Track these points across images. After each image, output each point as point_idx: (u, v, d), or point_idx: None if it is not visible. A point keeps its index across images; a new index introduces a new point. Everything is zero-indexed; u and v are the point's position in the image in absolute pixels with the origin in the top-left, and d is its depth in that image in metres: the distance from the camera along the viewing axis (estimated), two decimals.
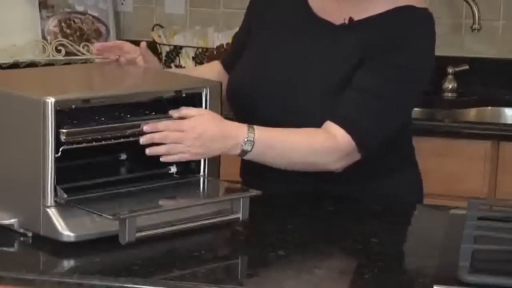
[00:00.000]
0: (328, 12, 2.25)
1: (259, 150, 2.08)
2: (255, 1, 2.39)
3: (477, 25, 3.51)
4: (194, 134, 2.00)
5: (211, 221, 1.99)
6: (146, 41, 3.64)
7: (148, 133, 1.97)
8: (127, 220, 1.84)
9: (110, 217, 1.84)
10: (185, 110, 2.01)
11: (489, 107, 3.49)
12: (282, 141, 2.11)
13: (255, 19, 2.36)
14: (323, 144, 2.12)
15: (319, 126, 2.15)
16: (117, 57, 2.28)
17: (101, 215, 1.85)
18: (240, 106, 2.29)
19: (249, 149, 2.07)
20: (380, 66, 2.16)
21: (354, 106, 2.14)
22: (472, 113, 3.45)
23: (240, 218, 1.99)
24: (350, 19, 2.22)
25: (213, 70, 2.41)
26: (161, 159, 2.00)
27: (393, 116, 2.20)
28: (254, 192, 2.01)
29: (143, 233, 1.87)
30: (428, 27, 2.22)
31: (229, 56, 2.47)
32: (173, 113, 2.01)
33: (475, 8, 3.50)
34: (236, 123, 2.10)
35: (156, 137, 1.98)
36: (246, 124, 2.08)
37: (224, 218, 2.00)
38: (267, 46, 2.30)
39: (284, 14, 2.30)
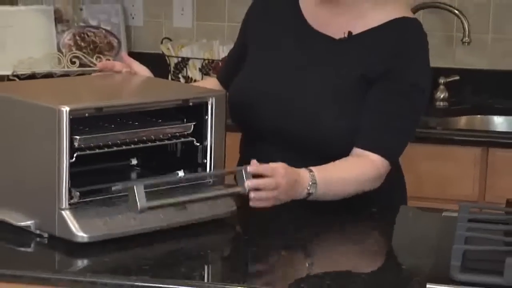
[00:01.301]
0: (325, 26, 2.23)
1: (321, 191, 2.08)
2: (249, 16, 2.37)
3: (467, 38, 3.51)
4: (281, 187, 1.99)
5: (217, 193, 2.00)
6: (155, 53, 3.67)
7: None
8: (135, 187, 1.84)
9: (119, 186, 1.85)
10: (261, 168, 2.00)
11: (479, 115, 3.49)
12: (336, 179, 2.12)
13: (251, 34, 2.34)
14: (369, 175, 2.15)
15: (317, 133, 2.14)
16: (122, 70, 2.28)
17: (111, 186, 1.86)
18: (242, 116, 2.28)
19: (314, 192, 2.08)
20: (392, 86, 2.16)
21: (381, 131, 2.16)
22: (463, 121, 3.45)
23: (246, 191, 1.97)
24: (349, 33, 2.21)
25: (212, 85, 2.38)
26: (251, 204, 1.99)
27: (411, 130, 2.24)
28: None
29: (154, 203, 1.87)
30: (423, 37, 2.22)
31: (224, 71, 2.46)
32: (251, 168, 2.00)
33: (465, 22, 3.51)
34: (298, 170, 2.08)
35: (258, 184, 1.97)
36: (305, 169, 2.07)
37: (228, 191, 2.01)
38: (265, 59, 2.28)
39: (280, 28, 2.28)
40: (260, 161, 2.18)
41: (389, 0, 2.23)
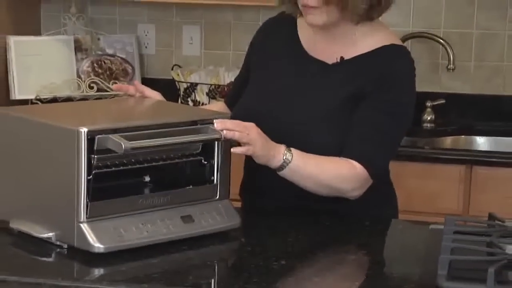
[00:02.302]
0: (320, 52, 2.24)
1: (296, 163, 2.08)
2: (253, 44, 2.38)
3: (452, 65, 3.51)
4: (256, 131, 2.02)
5: (194, 138, 2.00)
6: (166, 79, 3.68)
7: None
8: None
9: (124, 144, 1.86)
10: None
11: (463, 136, 3.49)
12: (314, 161, 2.12)
13: (254, 60, 2.35)
14: (347, 172, 2.13)
15: (309, 149, 2.13)
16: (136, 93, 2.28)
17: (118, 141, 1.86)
18: None
19: (290, 159, 2.07)
20: (378, 104, 2.16)
21: (364, 143, 2.14)
22: (448, 141, 3.45)
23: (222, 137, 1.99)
24: (341, 58, 2.22)
25: (221, 109, 2.39)
26: (232, 150, 2.02)
27: (394, 146, 2.22)
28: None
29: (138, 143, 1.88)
30: (410, 62, 2.22)
31: (230, 95, 2.46)
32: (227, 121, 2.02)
33: (450, 51, 3.51)
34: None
35: (228, 125, 2.00)
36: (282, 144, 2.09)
37: (203, 138, 2.01)
38: (266, 83, 2.29)
39: (280, 54, 2.29)
40: (263, 176, 2.18)
41: (379, 29, 2.23)
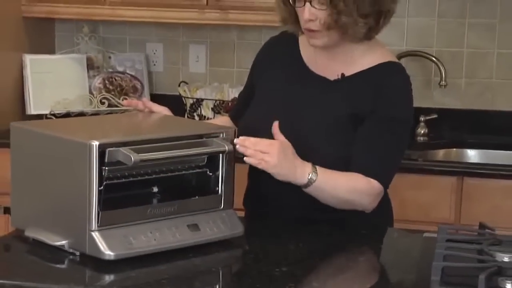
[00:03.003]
0: (321, 69, 2.24)
1: (320, 182, 2.08)
2: (257, 61, 2.38)
3: (444, 82, 3.51)
4: (275, 149, 2.03)
5: (205, 150, 2.01)
6: (173, 95, 3.68)
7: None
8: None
9: (133, 157, 1.86)
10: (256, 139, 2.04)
11: (455, 149, 3.48)
12: (334, 176, 2.12)
13: (258, 76, 2.34)
14: (364, 188, 2.14)
15: (312, 161, 2.13)
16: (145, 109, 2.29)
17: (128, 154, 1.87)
18: None
19: (314, 179, 2.07)
20: (380, 121, 2.16)
21: (373, 159, 2.15)
22: (440, 154, 3.44)
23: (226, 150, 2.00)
24: (342, 75, 2.22)
25: (226, 123, 2.38)
26: (245, 159, 2.02)
27: (399, 158, 2.23)
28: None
29: (147, 156, 1.88)
30: (407, 78, 2.23)
31: (235, 110, 2.46)
32: (251, 138, 2.04)
33: (442, 68, 3.51)
34: (302, 160, 2.10)
35: (247, 143, 2.02)
36: (309, 163, 2.09)
37: (208, 150, 2.02)
38: (270, 98, 2.28)
39: (283, 70, 2.29)
40: (266, 186, 2.17)
41: (376, 47, 2.23)
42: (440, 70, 3.51)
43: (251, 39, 3.70)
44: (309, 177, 2.08)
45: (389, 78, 2.19)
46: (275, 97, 2.27)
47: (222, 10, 3.40)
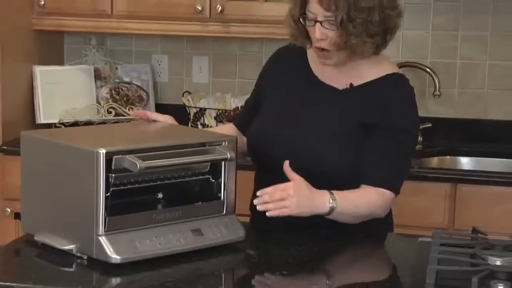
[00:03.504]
0: (329, 78, 2.23)
1: (340, 207, 2.08)
2: (266, 69, 2.36)
3: (437, 92, 3.51)
4: (291, 191, 2.03)
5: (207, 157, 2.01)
6: (177, 104, 3.68)
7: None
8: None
9: (139, 164, 1.86)
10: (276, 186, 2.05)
11: (448, 156, 3.48)
12: (352, 198, 2.13)
13: (266, 85, 2.33)
14: (378, 200, 2.15)
15: (320, 168, 2.14)
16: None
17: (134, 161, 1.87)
18: (258, 154, 2.28)
19: (335, 206, 2.08)
20: (388, 132, 2.16)
21: (383, 169, 2.15)
22: (435, 161, 3.44)
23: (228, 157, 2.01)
24: (351, 85, 2.21)
25: (230, 131, 2.35)
26: (267, 214, 2.03)
27: (408, 166, 2.25)
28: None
29: (152, 163, 1.88)
30: (411, 88, 2.24)
31: (241, 117, 2.44)
32: (266, 189, 2.05)
33: (436, 79, 3.51)
34: (318, 190, 2.09)
35: (265, 198, 2.04)
36: (326, 190, 2.09)
37: (211, 158, 2.02)
38: (279, 107, 2.27)
39: (292, 80, 2.27)
40: None
41: (382, 60, 2.23)
42: (434, 81, 3.51)
43: (252, 51, 3.70)
44: (330, 205, 2.08)
45: (396, 89, 2.20)
46: (284, 106, 2.26)
47: (224, 23, 3.41)
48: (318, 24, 2.10)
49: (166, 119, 2.27)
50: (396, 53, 3.58)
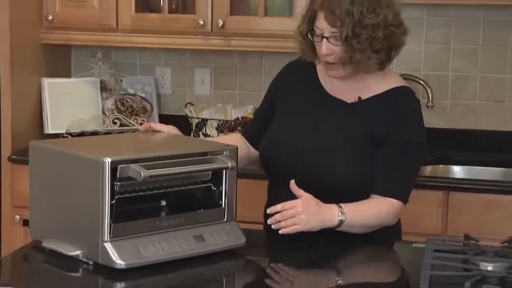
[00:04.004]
0: (338, 92, 2.23)
1: (349, 220, 2.08)
2: (277, 82, 2.35)
3: (431, 103, 3.51)
4: (300, 209, 2.03)
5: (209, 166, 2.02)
6: (180, 115, 3.68)
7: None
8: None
9: (143, 173, 1.85)
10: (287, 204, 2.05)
11: (441, 165, 3.48)
12: (361, 210, 2.13)
13: (278, 98, 2.31)
14: (387, 212, 2.16)
15: (330, 179, 2.14)
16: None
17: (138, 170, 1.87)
18: (271, 165, 2.27)
19: (344, 219, 2.08)
20: (397, 144, 2.15)
21: (393, 180, 2.16)
22: (428, 170, 3.43)
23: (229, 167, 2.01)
24: (359, 98, 2.21)
25: (237, 141, 2.31)
26: (280, 232, 2.04)
27: (415, 176, 2.24)
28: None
29: (156, 172, 1.89)
30: (417, 100, 2.24)
31: (250, 128, 2.42)
32: (277, 207, 2.05)
33: (429, 91, 3.51)
34: (327, 204, 2.09)
35: (277, 217, 2.04)
36: (334, 204, 2.09)
37: (212, 167, 2.02)
38: (291, 119, 2.26)
39: (303, 93, 2.27)
40: (283, 199, 2.16)
41: (388, 73, 2.23)
42: (427, 92, 3.51)
43: (252, 64, 3.71)
44: (340, 219, 2.08)
45: (403, 102, 2.19)
46: (297, 119, 2.25)
47: (225, 37, 3.41)
48: (324, 40, 2.10)
49: (170, 130, 2.27)
50: (391, 65, 3.57)
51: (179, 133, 2.29)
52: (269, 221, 2.05)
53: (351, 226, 2.11)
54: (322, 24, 2.10)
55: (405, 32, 2.16)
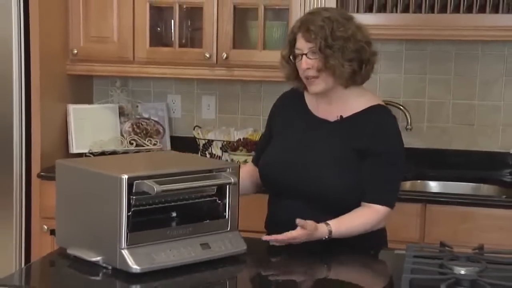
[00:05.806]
0: (323, 113, 2.25)
1: (336, 232, 2.11)
2: (273, 113, 2.38)
3: (409, 126, 3.51)
4: (301, 240, 2.07)
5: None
6: (189, 137, 3.68)
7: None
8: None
9: (156, 188, 1.85)
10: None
11: (419, 181, 3.47)
12: (346, 224, 2.13)
13: (273, 125, 2.35)
14: (373, 217, 2.17)
15: (323, 190, 2.14)
16: None
17: (151, 185, 1.86)
18: (269, 181, 2.28)
19: (331, 231, 2.10)
20: (380, 158, 2.16)
21: (379, 189, 2.17)
22: (408, 185, 3.43)
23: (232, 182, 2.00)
24: (341, 116, 2.22)
25: (249, 171, 2.37)
26: (271, 243, 2.07)
27: (399, 184, 2.25)
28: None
29: (167, 187, 1.88)
30: (394, 117, 2.25)
31: (257, 156, 2.43)
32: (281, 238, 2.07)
33: (408, 115, 3.51)
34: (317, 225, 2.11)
35: (279, 238, 2.07)
36: (323, 223, 2.11)
37: (217, 182, 2.01)
38: (285, 139, 2.29)
39: (293, 117, 2.30)
40: (283, 210, 2.16)
41: (365, 93, 2.25)
42: (406, 116, 3.51)
43: (252, 91, 3.71)
44: (327, 237, 2.10)
45: (381, 119, 2.21)
46: (289, 140, 2.27)
47: (229, 67, 3.42)
48: (304, 57, 2.15)
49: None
50: (373, 92, 3.58)
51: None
52: (271, 243, 2.07)
53: (340, 236, 2.11)
54: (301, 43, 2.16)
55: (375, 54, 2.20)
